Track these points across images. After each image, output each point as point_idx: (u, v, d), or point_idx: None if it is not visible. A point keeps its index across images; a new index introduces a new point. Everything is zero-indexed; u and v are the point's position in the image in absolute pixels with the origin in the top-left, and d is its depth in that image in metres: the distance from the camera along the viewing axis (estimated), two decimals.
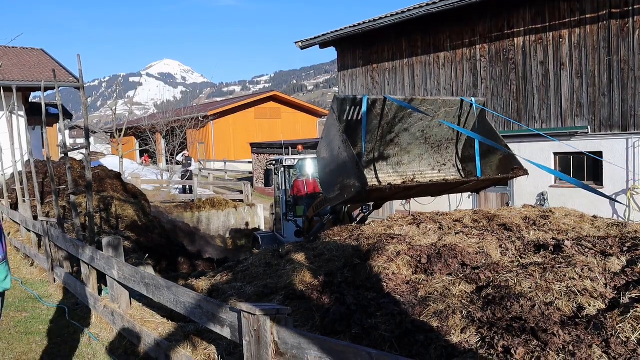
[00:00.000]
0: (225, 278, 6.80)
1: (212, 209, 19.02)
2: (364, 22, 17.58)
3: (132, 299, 5.86)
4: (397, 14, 16.50)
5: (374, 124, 7.49)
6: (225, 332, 3.78)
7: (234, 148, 39.86)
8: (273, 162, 13.96)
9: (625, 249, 4.94)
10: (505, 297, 4.08)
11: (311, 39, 19.57)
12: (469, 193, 15.56)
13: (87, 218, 7.74)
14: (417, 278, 4.82)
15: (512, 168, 7.54)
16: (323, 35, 19.08)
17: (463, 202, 15.67)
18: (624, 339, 3.36)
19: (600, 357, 3.25)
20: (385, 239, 5.73)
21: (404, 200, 17.23)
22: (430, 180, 7.79)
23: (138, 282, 5.16)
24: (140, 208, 13.92)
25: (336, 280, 4.98)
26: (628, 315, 3.50)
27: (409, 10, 16.16)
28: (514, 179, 14.62)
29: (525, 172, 7.34)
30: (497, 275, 4.47)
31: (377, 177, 7.97)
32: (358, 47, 18.86)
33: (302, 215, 11.56)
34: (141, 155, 44.15)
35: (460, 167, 8.63)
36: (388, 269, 4.93)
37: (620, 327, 3.44)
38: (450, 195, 16.05)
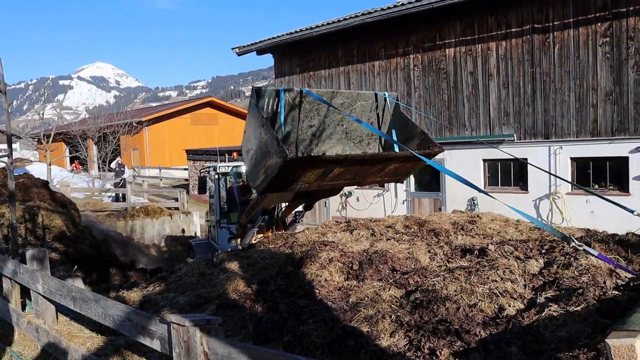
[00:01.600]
0: (158, 289, 6.66)
1: (147, 218, 18.54)
2: (301, 30, 17.72)
3: (58, 313, 5.65)
4: (333, 22, 16.74)
5: (294, 118, 7.61)
6: (156, 345, 3.72)
7: (170, 155, 39.04)
8: (207, 170, 13.87)
9: (543, 251, 5.23)
10: (432, 301, 4.23)
11: (248, 45, 19.52)
12: (404, 199, 16.02)
13: (9, 230, 7.39)
14: (348, 284, 4.91)
15: (428, 146, 7.74)
16: (260, 42, 19.07)
17: (397, 207, 16.06)
18: (540, 337, 3.56)
19: (518, 355, 3.43)
20: (319, 246, 5.80)
21: (341, 206, 17.48)
22: (349, 154, 7.70)
23: (65, 296, 4.97)
24: (70, 218, 13.40)
25: (269, 288, 5.00)
26: (543, 314, 3.71)
27: (345, 19, 16.43)
28: (446, 189, 15.15)
29: (441, 149, 7.60)
30: (425, 280, 4.62)
31: None
32: (295, 54, 18.98)
33: (236, 221, 11.52)
34: (71, 162, 42.50)
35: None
36: (321, 276, 4.99)
37: (536, 325, 3.64)
38: (385, 201, 16.43)
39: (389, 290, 4.60)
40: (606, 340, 2.44)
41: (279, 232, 10.10)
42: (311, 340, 4.00)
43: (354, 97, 8.05)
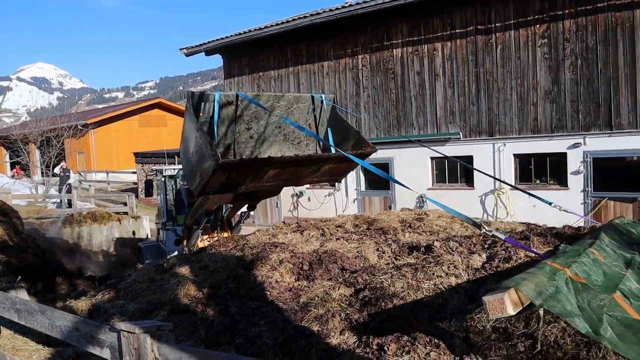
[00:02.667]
0: (107, 296, 6.55)
1: (94, 223, 18.06)
2: (250, 31, 17.67)
3: (1, 327, 5.47)
4: (282, 23, 16.77)
5: (231, 120, 7.69)
6: (105, 354, 3.68)
7: (117, 158, 38.08)
8: (155, 172, 13.74)
9: (486, 246, 5.45)
10: (380, 298, 4.35)
11: (197, 46, 19.30)
12: (354, 198, 16.23)
13: None
14: (299, 284, 4.98)
15: (362, 147, 7.96)
16: (209, 42, 18.90)
17: (348, 206, 16.26)
18: (481, 328, 3.73)
19: (460, 346, 3.58)
20: (269, 247, 5.84)
21: (292, 206, 17.55)
22: (282, 156, 7.86)
23: (8, 309, 4.83)
24: (11, 226, 12.92)
25: (221, 291, 5.01)
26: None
27: (293, 20, 16.49)
28: (395, 187, 15.43)
29: (374, 149, 7.82)
30: (374, 278, 4.74)
31: None
32: (244, 55, 18.91)
33: (183, 223, 11.48)
34: (12, 167, 40.86)
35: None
36: (271, 277, 5.04)
37: (477, 317, 3.81)
38: (336, 200, 16.60)
39: (338, 289, 4.70)
40: (482, 297, 2.82)
41: (225, 233, 10.17)
42: (263, 341, 4.05)
43: (292, 101, 8.19)
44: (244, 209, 9.90)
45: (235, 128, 7.82)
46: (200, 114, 7.31)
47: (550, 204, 6.27)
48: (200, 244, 9.72)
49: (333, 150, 7.69)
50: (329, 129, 8.40)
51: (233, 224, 10.56)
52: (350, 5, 15.21)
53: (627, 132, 12.04)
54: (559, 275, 3.16)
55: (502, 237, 3.90)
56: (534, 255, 4.55)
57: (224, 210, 10.44)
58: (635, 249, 4.43)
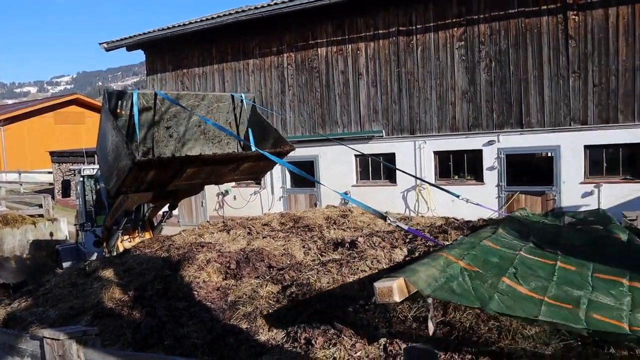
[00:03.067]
0: (24, 304, 6.27)
1: (6, 227, 17.02)
2: (174, 26, 17.30)
3: None
4: (207, 19, 16.55)
5: (150, 119, 7.64)
6: None
7: (31, 157, 36.05)
8: (72, 172, 13.25)
9: (407, 240, 5.71)
10: (307, 294, 4.48)
11: (117, 40, 18.65)
12: (280, 196, 16.32)
13: None
14: (227, 283, 5.01)
15: (280, 145, 8.13)
16: (130, 37, 18.32)
17: (274, 204, 16.33)
18: (403, 318, 3.94)
19: (384, 336, 3.77)
20: (196, 247, 5.83)
21: (218, 205, 17.40)
22: (200, 154, 7.90)
23: None
24: None
25: (147, 293, 4.95)
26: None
27: (219, 16, 16.32)
28: (320, 185, 15.66)
29: (292, 147, 8.03)
30: (300, 274, 4.86)
31: None
32: (168, 51, 18.50)
33: (102, 224, 11.17)
34: None
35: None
36: (199, 277, 5.05)
37: (400, 308, 4.01)
38: (262, 198, 16.63)
39: (266, 287, 4.78)
40: (374, 284, 3.14)
41: (146, 233, 10.00)
42: (191, 341, 4.07)
43: (211, 99, 8.25)
44: (166, 208, 9.78)
45: (155, 127, 7.76)
46: (119, 112, 7.20)
47: (457, 196, 6.73)
48: (122, 245, 9.51)
49: (253, 149, 7.79)
50: (249, 128, 8.49)
51: (155, 224, 10.40)
52: (275, 4, 15.26)
53: (536, 130, 12.87)
54: (452, 267, 3.52)
55: (405, 227, 4.23)
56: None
57: (145, 210, 10.26)
58: (531, 238, 4.87)
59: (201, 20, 16.67)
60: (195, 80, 18.07)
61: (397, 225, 4.23)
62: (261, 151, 5.93)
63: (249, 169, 7.81)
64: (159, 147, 7.94)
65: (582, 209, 12.46)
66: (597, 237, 5.27)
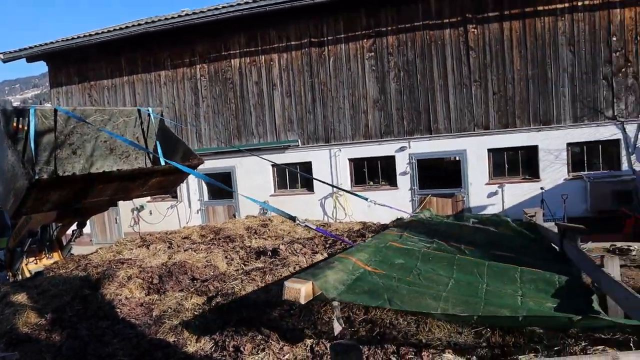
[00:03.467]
0: None
1: None
2: (78, 37, 16.64)
3: None
4: (114, 30, 16.07)
5: (50, 135, 7.42)
6: None
7: None
8: None
9: (327, 245, 5.91)
10: (232, 303, 4.54)
11: (16, 51, 17.64)
12: (198, 209, 16.11)
13: None
14: (150, 299, 4.97)
15: (189, 158, 8.19)
16: (31, 47, 17.40)
17: (192, 217, 16.09)
18: (327, 320, 4.10)
19: (310, 337, 3.91)
20: (115, 264, 5.71)
21: (133, 221, 16.88)
22: (103, 171, 7.73)
23: None
24: None
25: (66, 315, 4.80)
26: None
27: (127, 27, 15.91)
28: (239, 196, 15.65)
29: (200, 160, 8.13)
30: (225, 284, 4.92)
31: None
32: (73, 62, 17.74)
33: (5, 247, 10.52)
34: None
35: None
36: (121, 295, 4.96)
37: (323, 310, 4.18)
38: (179, 211, 16.34)
39: (191, 299, 4.79)
40: (285, 282, 3.41)
41: (55, 254, 9.56)
42: (118, 359, 4.01)
43: (116, 114, 8.12)
44: (75, 226, 9.41)
45: (57, 144, 7.48)
46: (15, 129, 6.88)
47: (366, 199, 7.11)
48: (26, 268, 9.02)
49: (162, 163, 7.74)
50: (157, 142, 8.42)
51: (64, 244, 9.94)
52: (186, 15, 15.13)
53: (443, 135, 13.61)
54: (359, 271, 3.81)
55: (314, 227, 4.53)
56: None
57: (53, 229, 9.78)
58: (436, 237, 5.26)
59: (108, 31, 16.18)
60: (104, 92, 17.47)
61: (306, 226, 4.51)
62: (174, 163, 5.91)
63: (157, 183, 7.76)
64: (63, 165, 7.67)
65: (489, 208, 13.35)
66: (493, 235, 5.77)
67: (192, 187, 16.23)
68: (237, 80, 15.67)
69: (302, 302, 3.28)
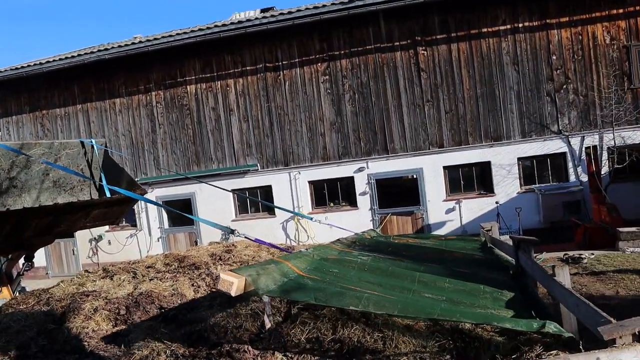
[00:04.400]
0: None
1: None
2: (29, 65, 16.37)
3: None
4: (66, 58, 15.88)
5: None
6: None
7: None
8: None
9: None
10: (202, 330, 4.58)
11: None
12: (158, 237, 15.91)
13: None
14: (118, 330, 4.94)
15: (133, 189, 8.24)
16: None
17: (153, 246, 15.87)
18: (297, 341, 4.20)
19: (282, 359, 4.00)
20: (79, 297, 5.65)
21: (91, 252, 16.51)
22: (38, 205, 7.59)
23: None
24: None
25: (31, 351, 4.73)
26: (297, 322, 4.38)
27: (79, 55, 15.76)
28: (200, 222, 15.56)
29: (144, 190, 8.23)
30: (193, 313, 4.95)
31: None
32: (23, 91, 17.36)
33: None
34: None
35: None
36: (87, 327, 4.92)
37: (293, 332, 4.28)
38: (139, 240, 16.10)
39: (160, 328, 4.79)
40: (221, 273, 3.59)
41: (4, 288, 9.30)
42: None
43: (57, 147, 8.11)
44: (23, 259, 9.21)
45: None
46: None
47: (310, 219, 7.45)
48: None
49: (108, 194, 7.75)
50: (102, 174, 8.44)
51: (14, 277, 9.67)
52: (140, 42, 15.12)
53: (400, 155, 13.98)
54: (292, 275, 4.09)
55: (253, 238, 4.90)
56: None
57: (1, 263, 9.50)
58: (376, 253, 5.58)
59: (60, 59, 15.98)
60: (57, 121, 17.15)
61: (246, 237, 4.84)
62: (121, 190, 5.96)
63: (101, 215, 7.79)
64: (3, 199, 7.59)
65: (447, 224, 13.73)
66: (437, 251, 6.19)
67: (152, 215, 16.05)
68: (194, 106, 15.69)
69: (233, 294, 3.46)
